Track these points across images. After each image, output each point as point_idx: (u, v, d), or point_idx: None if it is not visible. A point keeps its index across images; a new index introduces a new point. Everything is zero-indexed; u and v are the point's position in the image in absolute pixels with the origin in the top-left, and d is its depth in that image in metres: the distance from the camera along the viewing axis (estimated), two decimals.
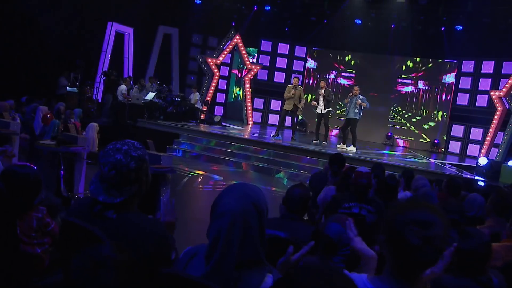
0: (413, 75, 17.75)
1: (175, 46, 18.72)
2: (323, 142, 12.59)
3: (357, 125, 11.80)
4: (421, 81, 17.60)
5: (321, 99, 12.24)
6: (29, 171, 2.49)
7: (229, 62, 19.43)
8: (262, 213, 1.70)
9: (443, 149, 17.01)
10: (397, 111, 17.95)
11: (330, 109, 12.45)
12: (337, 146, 12.13)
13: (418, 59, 17.60)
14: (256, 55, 19.59)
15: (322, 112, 12.30)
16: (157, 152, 5.13)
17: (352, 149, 11.85)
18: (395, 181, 5.33)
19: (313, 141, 12.71)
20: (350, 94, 11.71)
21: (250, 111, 18.34)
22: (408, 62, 17.73)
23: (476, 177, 11.06)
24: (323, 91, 12.22)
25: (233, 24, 18.67)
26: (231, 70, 20.13)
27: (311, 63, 19.25)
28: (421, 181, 5.40)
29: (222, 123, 15.45)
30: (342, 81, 18.68)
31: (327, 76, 18.54)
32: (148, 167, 1.93)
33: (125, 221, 1.81)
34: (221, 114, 18.07)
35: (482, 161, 12.27)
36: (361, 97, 11.59)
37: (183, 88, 19.26)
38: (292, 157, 10.87)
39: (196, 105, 15.25)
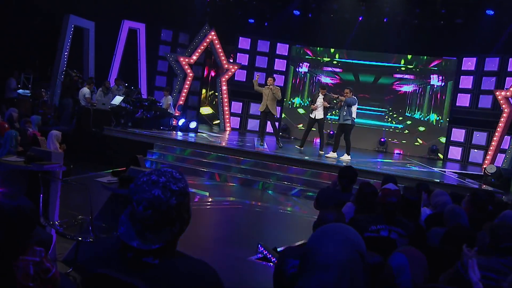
0: (409, 76, 17.85)
1: (142, 43, 18.39)
2: (320, 152, 12.45)
3: (350, 131, 11.71)
4: (416, 80, 17.73)
5: (318, 104, 12.11)
6: (20, 203, 2.20)
7: (203, 61, 19.17)
8: (365, 261, 1.63)
9: (441, 156, 17.13)
10: (391, 114, 18.04)
11: (323, 117, 12.31)
12: (326, 155, 12.05)
13: (409, 56, 17.72)
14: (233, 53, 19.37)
15: (316, 117, 12.19)
16: (150, 169, 4.77)
17: (346, 158, 11.76)
18: (417, 196, 5.24)
19: (296, 146, 12.58)
20: (341, 97, 11.63)
21: (227, 116, 18.14)
22: (402, 61, 17.83)
23: (488, 188, 11.03)
24: (321, 98, 12.08)
25: (207, 18, 18.47)
26: (204, 70, 19.88)
27: (302, 68, 19.14)
28: (442, 197, 5.30)
29: (199, 130, 15.26)
30: (326, 80, 18.66)
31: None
32: (189, 201, 1.77)
33: (171, 268, 1.58)
34: (195, 120, 17.57)
35: (490, 169, 12.36)
36: (349, 98, 11.44)
37: (152, 90, 18.93)
38: (276, 167, 10.78)
39: (168, 110, 14.91)
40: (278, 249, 5.54)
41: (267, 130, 13.84)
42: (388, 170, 11.41)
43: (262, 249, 5.46)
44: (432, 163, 15.59)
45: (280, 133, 16.60)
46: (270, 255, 5.31)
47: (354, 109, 11.47)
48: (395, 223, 3.82)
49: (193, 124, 15.13)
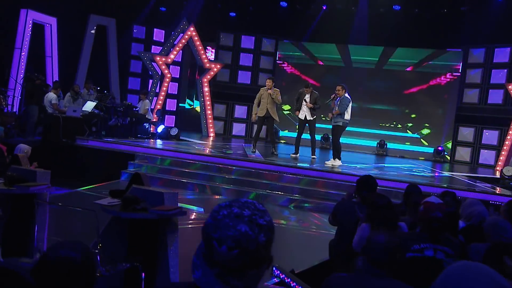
0: (409, 68, 17.79)
1: (112, 41, 17.96)
2: (312, 157, 12.37)
3: (340, 134, 11.55)
4: (417, 76, 17.67)
5: (304, 106, 12.10)
6: (77, 252, 1.86)
7: (180, 60, 18.84)
8: None
9: (448, 157, 17.06)
10: (390, 113, 18.01)
11: (315, 115, 12.26)
12: (327, 162, 11.89)
13: (409, 50, 17.64)
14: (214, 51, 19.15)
15: (307, 118, 12.11)
16: (157, 188, 4.82)
17: (336, 163, 11.57)
18: (454, 206, 4.94)
19: (291, 155, 12.51)
20: (333, 95, 11.47)
21: (210, 121, 17.87)
22: (402, 56, 17.75)
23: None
24: (308, 98, 12.01)
25: (184, 13, 18.19)
26: (183, 70, 19.60)
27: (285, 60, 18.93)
28: (476, 206, 4.99)
29: (181, 137, 15.00)
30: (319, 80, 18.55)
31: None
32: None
33: None
34: (173, 125, 17.57)
35: (508, 171, 12.25)
36: (343, 97, 11.25)
37: (124, 94, 18.51)
38: (268, 175, 10.60)
39: (146, 116, 14.52)
40: (296, 272, 5.23)
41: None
42: (394, 176, 11.19)
43: (278, 272, 5.13)
44: (436, 166, 15.44)
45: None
46: (289, 279, 4.99)
47: (348, 109, 11.27)
48: (440, 241, 3.72)
49: (174, 131, 14.85)
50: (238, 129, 18.83)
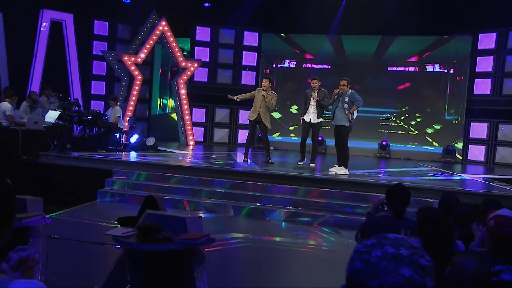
0: (412, 59, 17.37)
1: (70, 40, 16.92)
2: (311, 164, 11.94)
3: (347, 135, 11.19)
4: (421, 67, 17.33)
5: (312, 104, 11.67)
6: None
7: (150, 59, 17.96)
8: None
9: (459, 157, 16.69)
10: (393, 110, 17.69)
11: (321, 119, 11.86)
12: (331, 169, 11.39)
13: (411, 38, 17.30)
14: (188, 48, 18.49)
15: (312, 121, 11.71)
16: (176, 213, 4.59)
17: (342, 171, 11.09)
18: None
19: (299, 162, 12.08)
20: (336, 90, 11.05)
21: (189, 127, 17.09)
22: (403, 45, 17.41)
23: None
24: (316, 93, 11.58)
25: (152, 5, 17.31)
26: (153, 71, 18.78)
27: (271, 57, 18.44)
28: None
29: (158, 148, 14.33)
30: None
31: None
32: None
33: None
34: (145, 134, 16.73)
35: None
36: (349, 92, 10.93)
37: (87, 100, 17.58)
38: (257, 187, 10.25)
39: (118, 125, 13.66)
40: None
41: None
42: (410, 181, 10.83)
43: None
44: (451, 167, 15.04)
45: (260, 145, 16.18)
46: None
47: (352, 111, 10.90)
48: None
49: (151, 141, 14.15)
50: (220, 135, 18.25)
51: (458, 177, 12.74)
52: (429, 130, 17.26)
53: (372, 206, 5.25)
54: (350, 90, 10.94)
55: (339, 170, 11.11)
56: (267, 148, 12.37)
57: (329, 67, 17.97)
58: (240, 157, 13.41)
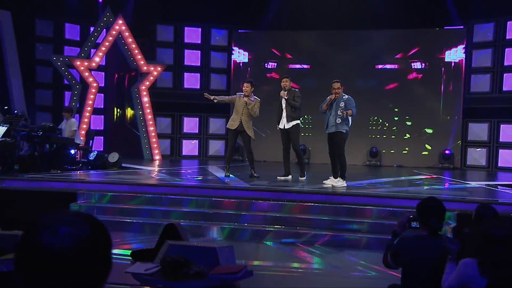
0: (398, 56, 17.02)
1: (9, 42, 15.84)
2: (300, 178, 11.44)
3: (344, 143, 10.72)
4: (414, 64, 17.00)
5: (283, 106, 11.30)
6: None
7: (104, 63, 17.18)
8: None
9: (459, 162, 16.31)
10: (382, 113, 17.24)
11: (298, 121, 11.36)
12: (325, 181, 10.97)
13: (399, 31, 17.04)
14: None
15: (286, 127, 11.25)
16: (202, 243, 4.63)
17: (340, 183, 10.62)
18: None
19: (279, 177, 11.52)
20: (331, 96, 10.52)
21: (154, 139, 16.41)
22: (390, 40, 17.15)
23: None
24: (286, 93, 11.22)
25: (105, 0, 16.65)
26: (108, 76, 17.98)
27: (239, 55, 17.82)
28: None
29: (123, 165, 13.74)
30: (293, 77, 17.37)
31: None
32: None
33: None
34: (102, 149, 16.38)
35: None
36: (345, 97, 10.49)
37: (32, 112, 16.28)
38: (242, 204, 9.69)
39: (75, 140, 12.94)
40: None
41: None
42: (416, 193, 10.40)
43: None
44: (453, 174, 14.70)
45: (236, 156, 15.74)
46: None
47: (349, 114, 10.43)
48: None
49: (114, 157, 13.44)
50: (189, 147, 17.74)
51: (469, 185, 12.23)
52: (427, 131, 16.91)
53: (398, 223, 5.06)
54: (345, 95, 10.52)
55: (336, 182, 10.60)
56: (251, 160, 11.78)
57: (308, 66, 17.55)
58: (217, 171, 13.02)
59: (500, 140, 15.86)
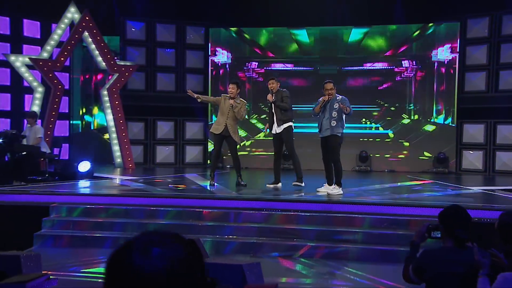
0: (390, 52, 16.82)
1: None
2: (299, 184, 11.07)
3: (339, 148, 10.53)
4: (404, 62, 16.88)
5: (273, 110, 11.12)
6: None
7: (68, 64, 16.56)
8: None
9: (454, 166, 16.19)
10: (371, 114, 17.11)
11: (291, 123, 11.09)
12: (319, 189, 10.80)
13: (391, 27, 16.98)
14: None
15: (277, 131, 11.04)
16: (227, 259, 5.07)
17: (336, 191, 10.40)
18: None
19: (268, 185, 11.36)
20: (325, 97, 10.32)
21: (127, 146, 15.93)
22: (380, 36, 17.12)
23: None
24: (273, 96, 11.03)
25: None
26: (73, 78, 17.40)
27: (217, 54, 17.53)
28: None
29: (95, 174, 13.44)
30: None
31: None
32: None
33: None
34: (67, 157, 15.99)
35: None
36: (339, 97, 10.31)
37: None
38: (226, 215, 9.52)
39: (42, 149, 12.53)
40: None
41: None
42: (417, 200, 10.36)
43: None
44: (452, 179, 14.51)
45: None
46: None
47: (346, 112, 10.33)
48: None
49: (85, 166, 13.06)
50: (164, 154, 17.29)
51: (471, 191, 12.08)
52: (425, 129, 16.80)
53: (416, 233, 5.01)
54: (339, 95, 10.35)
55: (331, 190, 10.36)
56: (237, 168, 11.60)
57: (292, 66, 17.31)
58: (200, 180, 12.95)
59: (497, 142, 15.73)
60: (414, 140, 16.73)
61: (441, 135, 16.55)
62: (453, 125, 16.36)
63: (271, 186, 11.19)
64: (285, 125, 10.95)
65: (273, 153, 11.35)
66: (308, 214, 9.20)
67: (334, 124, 10.16)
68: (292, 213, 9.19)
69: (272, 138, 11.28)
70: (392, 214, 8.63)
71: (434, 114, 16.73)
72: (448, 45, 16.45)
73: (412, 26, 16.73)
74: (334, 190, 10.32)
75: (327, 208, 9.47)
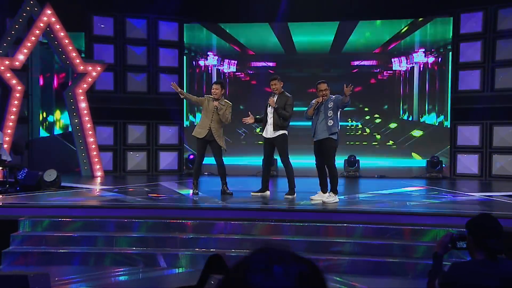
0: (378, 50, 16.67)
1: None
2: (290, 197, 10.73)
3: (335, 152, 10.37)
4: (394, 59, 16.80)
5: (270, 112, 10.82)
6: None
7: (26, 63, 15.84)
8: None
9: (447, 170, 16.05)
10: (360, 116, 16.97)
11: (285, 131, 10.78)
12: (312, 197, 10.55)
13: (378, 22, 16.93)
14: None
15: (271, 136, 10.82)
16: None
17: (332, 198, 10.15)
18: None
19: (253, 193, 11.11)
20: (318, 99, 10.14)
21: (95, 153, 15.47)
22: (367, 33, 16.99)
23: None
24: (275, 98, 10.70)
25: None
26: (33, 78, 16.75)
27: (193, 51, 17.26)
28: None
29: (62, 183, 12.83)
30: (255, 77, 17.71)
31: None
32: None
33: None
34: (27, 164, 15.25)
35: None
36: (333, 97, 10.18)
37: None
38: (210, 226, 9.26)
39: (2, 156, 12.22)
40: None
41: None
42: (421, 208, 10.35)
43: None
44: (444, 184, 14.37)
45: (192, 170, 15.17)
46: None
47: (338, 116, 10.26)
48: None
49: (50, 175, 12.49)
50: (135, 161, 16.83)
51: (474, 197, 11.90)
52: (413, 135, 16.66)
53: (438, 243, 4.92)
54: (332, 95, 10.17)
55: (327, 198, 10.11)
56: (222, 175, 11.34)
57: (274, 64, 17.07)
58: (180, 188, 12.78)
59: (494, 144, 15.59)
60: (405, 144, 16.61)
61: (434, 137, 16.50)
62: (447, 125, 16.22)
63: (258, 194, 10.94)
64: (281, 132, 10.70)
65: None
66: (299, 224, 8.91)
67: (331, 124, 9.95)
68: (279, 223, 8.93)
69: (263, 142, 10.99)
70: (393, 223, 8.44)
71: (426, 116, 16.55)
72: (440, 42, 16.31)
73: (402, 22, 16.53)
74: (330, 198, 10.05)
75: (318, 217, 9.24)
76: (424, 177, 15.74)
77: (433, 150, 16.22)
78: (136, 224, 9.39)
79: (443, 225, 8.38)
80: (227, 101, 10.99)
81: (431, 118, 16.57)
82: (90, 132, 15.28)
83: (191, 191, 11.38)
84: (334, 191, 10.14)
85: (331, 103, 10.02)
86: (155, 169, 16.76)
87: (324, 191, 10.37)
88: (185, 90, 16.23)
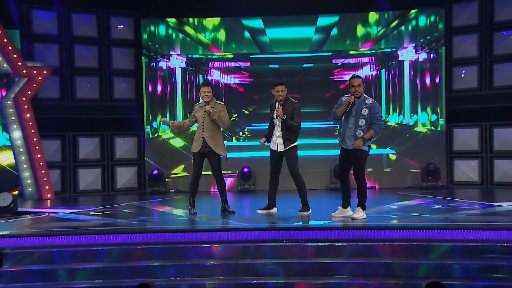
0: (366, 45, 16.80)
1: None
2: (305, 213, 10.73)
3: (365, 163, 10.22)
4: (381, 56, 17.06)
5: (278, 126, 10.66)
6: None
7: None
8: None
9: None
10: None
11: (295, 144, 10.69)
12: (334, 214, 10.35)
13: (372, 15, 16.97)
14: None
15: (279, 149, 10.64)
16: None
17: (360, 214, 10.00)
18: None
19: (258, 211, 11.08)
20: (350, 98, 9.78)
21: (43, 171, 15.15)
22: (356, 27, 17.01)
23: None
24: (281, 107, 10.58)
25: None
26: None
27: (152, 51, 16.98)
28: None
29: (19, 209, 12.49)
30: (228, 79, 17.55)
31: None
32: None
33: None
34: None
35: None
36: (369, 101, 9.83)
37: None
38: (186, 251, 8.96)
39: None
40: None
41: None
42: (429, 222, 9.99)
43: None
44: (445, 194, 14.35)
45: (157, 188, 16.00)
46: None
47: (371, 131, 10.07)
48: None
49: (5, 199, 12.21)
50: (89, 178, 16.63)
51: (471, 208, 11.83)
52: (407, 137, 16.78)
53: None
54: (368, 97, 9.82)
55: (356, 214, 9.90)
56: (222, 191, 11.17)
57: (248, 64, 17.09)
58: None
59: (495, 148, 15.82)
60: (397, 150, 16.73)
61: (428, 142, 16.66)
62: (440, 129, 16.42)
63: (263, 211, 10.85)
64: (291, 145, 10.59)
65: None
66: (337, 244, 8.64)
67: (360, 134, 9.62)
68: (310, 243, 8.60)
69: (269, 154, 10.80)
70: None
71: (419, 118, 16.69)
72: (432, 36, 16.48)
73: (390, 14, 16.73)
74: (360, 213, 9.86)
75: (358, 236, 8.95)
76: (420, 186, 15.83)
77: (427, 156, 16.29)
78: (101, 254, 9.02)
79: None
80: (219, 102, 10.83)
81: (423, 120, 16.65)
82: (37, 147, 15.02)
83: (189, 211, 11.15)
84: (363, 206, 10.01)
85: (365, 110, 9.71)
86: (111, 188, 16.63)
87: (345, 205, 10.21)
88: (145, 96, 16.42)
